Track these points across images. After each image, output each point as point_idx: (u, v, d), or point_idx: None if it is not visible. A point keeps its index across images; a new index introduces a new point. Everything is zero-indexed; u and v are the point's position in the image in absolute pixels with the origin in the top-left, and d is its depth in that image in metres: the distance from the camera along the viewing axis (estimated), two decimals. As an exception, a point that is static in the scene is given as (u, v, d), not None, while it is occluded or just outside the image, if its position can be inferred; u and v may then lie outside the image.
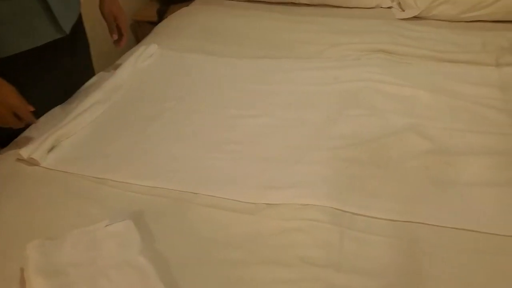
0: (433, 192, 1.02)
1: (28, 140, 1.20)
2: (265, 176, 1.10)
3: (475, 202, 0.99)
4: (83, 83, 1.46)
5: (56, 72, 1.33)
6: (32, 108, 1.11)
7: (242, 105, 1.37)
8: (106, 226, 0.89)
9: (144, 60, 1.58)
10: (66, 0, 1.25)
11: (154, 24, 2.23)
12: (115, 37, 1.40)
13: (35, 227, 0.99)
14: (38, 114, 1.21)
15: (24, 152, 1.14)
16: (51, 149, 1.18)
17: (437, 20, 1.83)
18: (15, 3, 1.10)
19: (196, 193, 1.06)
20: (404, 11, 1.89)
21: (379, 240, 0.92)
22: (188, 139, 1.24)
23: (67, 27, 1.25)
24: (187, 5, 2.14)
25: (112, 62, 1.63)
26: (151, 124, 1.30)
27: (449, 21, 1.82)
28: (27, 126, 1.24)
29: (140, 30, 2.41)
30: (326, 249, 0.90)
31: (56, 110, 1.35)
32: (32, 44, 1.18)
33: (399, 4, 1.94)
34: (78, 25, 1.38)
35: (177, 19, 1.95)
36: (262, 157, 1.16)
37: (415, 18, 1.84)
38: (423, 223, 0.95)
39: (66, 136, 1.23)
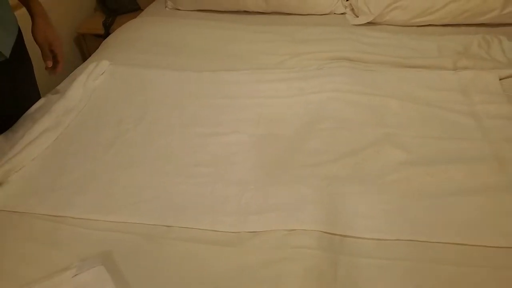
0: (418, 206, 0.99)
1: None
2: (243, 200, 1.03)
3: (460, 213, 0.97)
4: (27, 108, 1.31)
5: None
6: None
7: (208, 122, 1.29)
8: (73, 276, 0.78)
9: (95, 78, 1.45)
10: (4, 22, 1.14)
11: (100, 37, 2.10)
12: (50, 64, 1.25)
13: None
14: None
15: (-35, 193, 0.99)
16: (-3, 187, 1.05)
17: (390, 25, 1.85)
18: None
19: (169, 226, 0.97)
20: (357, 17, 1.89)
21: (372, 263, 0.87)
22: (152, 164, 1.14)
23: (7, 50, 1.14)
24: (134, 17, 2.03)
25: (57, 83, 1.49)
26: (109, 150, 1.19)
27: (402, 26, 1.84)
28: None
29: (86, 44, 2.25)
30: (320, 280, 0.84)
31: (-1, 141, 1.20)
32: None
33: (352, 10, 1.94)
34: (19, 48, 1.25)
35: (127, 32, 1.83)
36: (237, 179, 1.09)
37: (370, 23, 1.85)
38: (412, 240, 0.91)
39: (14, 171, 1.10)
